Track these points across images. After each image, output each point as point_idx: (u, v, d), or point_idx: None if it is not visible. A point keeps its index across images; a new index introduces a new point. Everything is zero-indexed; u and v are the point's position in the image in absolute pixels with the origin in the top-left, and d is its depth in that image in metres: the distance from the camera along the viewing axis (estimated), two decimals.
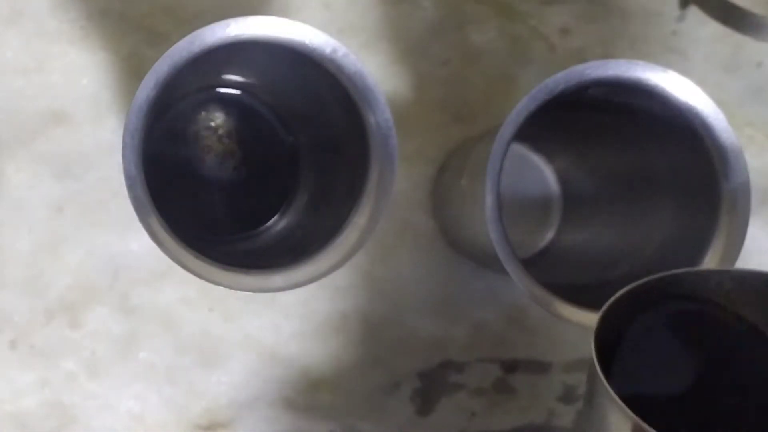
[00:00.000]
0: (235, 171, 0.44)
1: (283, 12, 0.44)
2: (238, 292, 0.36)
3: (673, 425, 0.28)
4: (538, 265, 0.44)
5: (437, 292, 0.46)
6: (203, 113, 0.43)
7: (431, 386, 0.46)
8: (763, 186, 0.47)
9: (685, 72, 0.37)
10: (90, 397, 0.44)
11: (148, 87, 0.33)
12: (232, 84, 0.43)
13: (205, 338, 0.45)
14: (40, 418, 0.44)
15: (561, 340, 0.47)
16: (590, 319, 0.36)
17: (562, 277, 0.42)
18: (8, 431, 0.44)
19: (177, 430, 0.45)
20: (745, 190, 0.37)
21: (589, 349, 0.47)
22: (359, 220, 0.36)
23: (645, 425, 0.28)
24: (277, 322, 0.45)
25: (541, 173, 0.46)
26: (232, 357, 0.45)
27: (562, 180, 0.46)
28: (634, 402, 0.29)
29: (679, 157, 0.39)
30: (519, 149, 0.46)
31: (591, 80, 0.36)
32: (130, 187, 0.33)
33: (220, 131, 0.43)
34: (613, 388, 0.29)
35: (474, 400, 0.47)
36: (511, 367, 0.47)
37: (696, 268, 0.37)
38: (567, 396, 0.47)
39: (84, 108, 0.43)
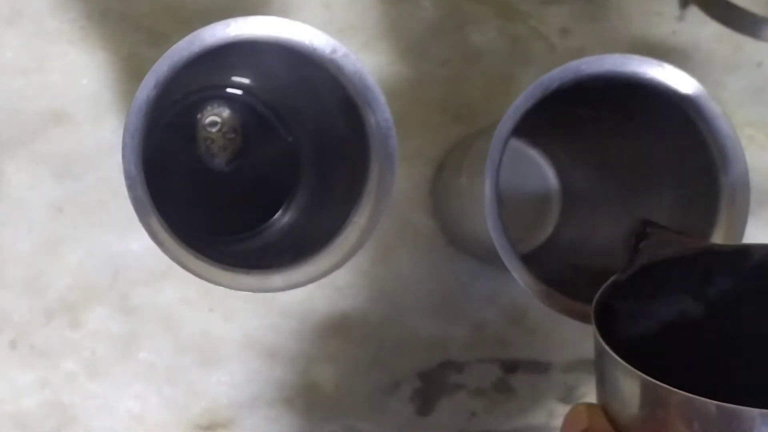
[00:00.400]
0: (234, 171, 0.44)
1: (282, 12, 0.44)
2: (238, 292, 0.36)
3: (680, 378, 0.29)
4: (537, 261, 0.44)
5: (437, 292, 0.46)
6: (203, 113, 0.43)
7: (431, 386, 0.46)
8: (763, 186, 0.47)
9: (685, 72, 0.37)
10: (90, 397, 0.44)
11: (148, 87, 0.33)
12: (232, 84, 0.43)
13: (205, 338, 0.45)
14: (40, 418, 0.44)
15: (561, 340, 0.47)
16: (590, 312, 0.36)
17: (561, 272, 0.42)
18: (8, 431, 0.44)
19: (177, 430, 0.45)
20: (744, 182, 0.37)
21: (589, 349, 0.47)
22: (359, 220, 0.36)
23: (651, 380, 0.29)
24: (277, 322, 0.45)
25: (539, 169, 0.46)
26: (232, 357, 0.45)
27: (561, 175, 0.46)
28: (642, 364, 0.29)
29: (678, 151, 0.39)
30: (517, 145, 0.46)
31: (587, 75, 0.36)
32: (130, 187, 0.33)
33: (220, 131, 0.43)
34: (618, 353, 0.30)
35: (474, 400, 0.47)
36: (511, 367, 0.47)
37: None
38: (567, 396, 0.47)
39: (84, 108, 0.43)
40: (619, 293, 0.34)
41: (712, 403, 0.28)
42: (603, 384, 0.32)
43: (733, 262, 0.34)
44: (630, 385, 0.30)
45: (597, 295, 0.34)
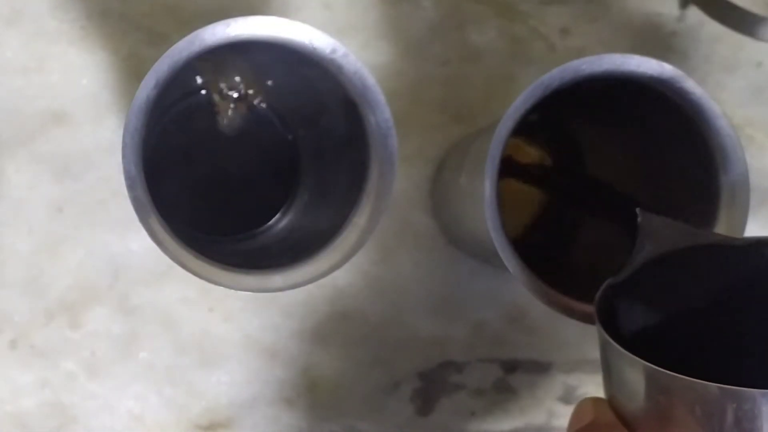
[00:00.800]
0: (234, 171, 0.44)
1: (282, 12, 0.44)
2: (238, 292, 0.36)
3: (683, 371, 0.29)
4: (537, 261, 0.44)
5: (437, 292, 0.46)
6: (203, 113, 0.43)
7: (431, 386, 0.46)
8: (763, 186, 0.47)
9: (685, 72, 0.37)
10: (90, 397, 0.44)
11: (148, 87, 0.33)
12: (231, 83, 0.43)
13: (205, 338, 0.45)
14: (40, 418, 0.44)
15: (561, 340, 0.47)
16: (590, 312, 0.36)
17: (562, 272, 0.42)
18: (8, 431, 0.44)
19: (177, 430, 0.45)
20: (744, 182, 0.37)
21: (589, 349, 0.47)
22: (359, 220, 0.36)
23: (653, 366, 0.29)
24: (277, 322, 0.45)
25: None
26: (232, 357, 0.45)
27: (561, 174, 0.46)
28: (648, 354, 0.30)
29: (677, 151, 0.39)
30: (517, 145, 0.46)
31: (587, 75, 0.36)
32: (130, 187, 0.33)
33: (220, 131, 0.43)
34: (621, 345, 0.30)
35: (474, 400, 0.47)
36: (511, 367, 0.47)
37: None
38: (567, 396, 0.47)
39: (84, 108, 0.43)
40: (623, 287, 0.34)
41: (713, 386, 0.28)
42: (608, 377, 0.32)
43: (738, 253, 0.34)
44: (633, 375, 0.30)
45: (600, 290, 0.34)
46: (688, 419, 0.29)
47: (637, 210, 0.36)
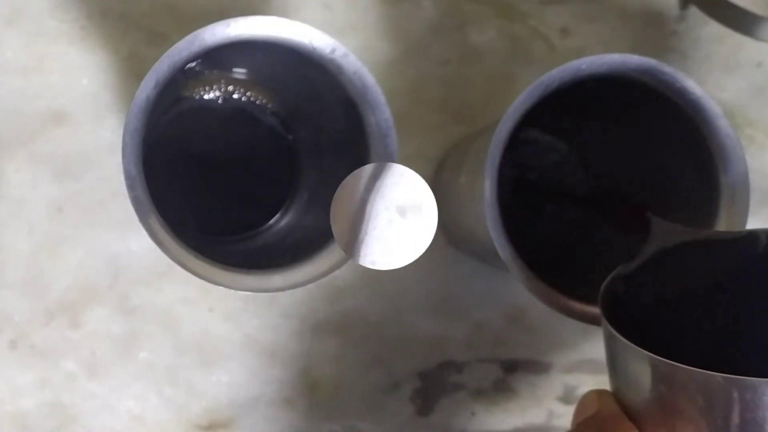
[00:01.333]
0: (234, 171, 0.44)
1: (282, 12, 0.44)
2: (238, 292, 0.36)
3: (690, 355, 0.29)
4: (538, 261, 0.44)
5: (437, 292, 0.46)
6: (203, 113, 0.43)
7: (431, 386, 0.46)
8: (763, 186, 0.47)
9: (685, 72, 0.37)
10: (90, 397, 0.44)
11: (148, 87, 0.33)
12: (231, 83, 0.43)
13: (205, 338, 0.45)
14: (40, 418, 0.44)
15: (561, 340, 0.47)
16: (590, 312, 0.36)
17: (561, 273, 0.42)
18: (8, 431, 0.44)
19: (177, 430, 0.45)
20: (744, 182, 0.37)
21: (589, 349, 0.47)
22: None
23: (656, 357, 0.29)
24: (277, 322, 0.45)
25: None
26: (232, 357, 0.45)
27: (561, 175, 0.46)
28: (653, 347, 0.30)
29: (677, 151, 0.39)
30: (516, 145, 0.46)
31: (587, 75, 0.36)
32: (130, 187, 0.33)
33: (220, 131, 0.43)
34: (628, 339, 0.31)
35: (474, 400, 0.47)
36: (511, 367, 0.47)
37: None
38: (567, 396, 0.47)
39: (84, 108, 0.43)
40: (626, 282, 0.34)
41: (715, 375, 0.28)
42: (612, 369, 0.33)
43: (740, 248, 0.34)
44: (637, 366, 0.31)
45: (604, 284, 0.34)
46: (690, 410, 0.29)
47: (649, 215, 0.36)
